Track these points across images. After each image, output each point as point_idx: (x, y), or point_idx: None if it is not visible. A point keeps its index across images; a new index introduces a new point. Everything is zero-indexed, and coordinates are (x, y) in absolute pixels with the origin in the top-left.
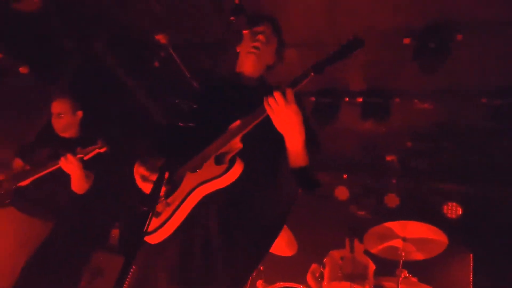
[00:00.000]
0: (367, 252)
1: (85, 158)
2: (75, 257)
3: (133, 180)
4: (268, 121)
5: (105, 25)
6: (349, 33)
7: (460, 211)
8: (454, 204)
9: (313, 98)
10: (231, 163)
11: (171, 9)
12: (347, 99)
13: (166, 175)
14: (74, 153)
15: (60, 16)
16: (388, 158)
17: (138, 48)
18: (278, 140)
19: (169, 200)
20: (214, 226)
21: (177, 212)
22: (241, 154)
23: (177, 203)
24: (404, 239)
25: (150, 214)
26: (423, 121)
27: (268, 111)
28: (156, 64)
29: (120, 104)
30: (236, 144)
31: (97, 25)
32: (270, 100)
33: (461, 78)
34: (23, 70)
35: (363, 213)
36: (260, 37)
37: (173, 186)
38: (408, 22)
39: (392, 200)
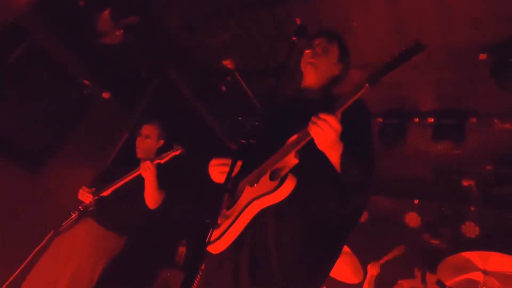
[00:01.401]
0: (441, 284)
1: (162, 162)
2: (144, 273)
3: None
4: None
5: (178, 54)
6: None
7: None
8: None
9: (380, 119)
10: (283, 179)
11: (238, 36)
12: (416, 119)
13: (229, 187)
14: (152, 160)
15: (139, 48)
16: (465, 183)
17: (208, 74)
18: None
19: (228, 212)
20: (269, 241)
21: (234, 225)
22: (296, 169)
23: (235, 215)
24: (485, 272)
25: (212, 224)
26: (505, 143)
27: (310, 132)
28: (223, 88)
29: (190, 127)
30: (291, 159)
31: (170, 54)
32: (312, 124)
33: None
34: (105, 95)
35: (437, 242)
36: (316, 49)
37: (234, 199)
38: (484, 37)
39: (470, 229)
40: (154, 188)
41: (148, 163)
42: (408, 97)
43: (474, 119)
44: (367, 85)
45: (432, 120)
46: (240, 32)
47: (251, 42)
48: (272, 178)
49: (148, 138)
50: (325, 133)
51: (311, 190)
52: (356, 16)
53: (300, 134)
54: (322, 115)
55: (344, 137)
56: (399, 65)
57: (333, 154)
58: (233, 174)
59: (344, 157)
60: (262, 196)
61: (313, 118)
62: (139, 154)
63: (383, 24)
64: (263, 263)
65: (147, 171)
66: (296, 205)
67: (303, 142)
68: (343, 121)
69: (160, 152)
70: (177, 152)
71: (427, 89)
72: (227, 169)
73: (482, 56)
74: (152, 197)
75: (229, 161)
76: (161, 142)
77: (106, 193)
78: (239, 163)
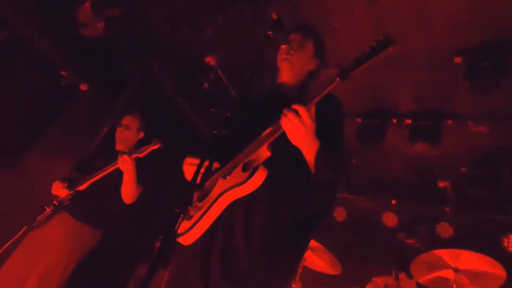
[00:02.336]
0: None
1: (141, 156)
2: (121, 267)
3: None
4: None
5: (160, 48)
6: (397, 53)
7: None
8: None
9: (359, 120)
10: (254, 171)
11: (220, 32)
12: (395, 120)
13: (199, 179)
14: (130, 153)
15: (121, 40)
16: (441, 184)
17: (191, 70)
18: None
19: (200, 204)
20: (238, 232)
21: (205, 216)
22: (268, 162)
23: (206, 207)
24: (456, 270)
25: (181, 214)
26: (479, 146)
27: (282, 126)
28: (206, 85)
29: (171, 121)
30: (264, 152)
31: (153, 48)
32: (283, 117)
33: None
34: (83, 87)
35: (412, 241)
36: (291, 44)
37: (206, 190)
38: (459, 41)
39: (445, 230)
40: (132, 182)
41: (126, 156)
42: (387, 98)
43: (449, 121)
44: (337, 79)
45: (409, 121)
46: (223, 28)
47: (235, 38)
48: (244, 169)
49: (128, 129)
50: (295, 125)
51: (281, 183)
52: (337, 17)
53: (273, 127)
54: (292, 107)
55: (317, 133)
56: (369, 59)
57: (307, 150)
58: (202, 170)
59: (318, 155)
60: (233, 188)
61: (284, 111)
62: (118, 145)
63: (364, 24)
64: (232, 253)
65: (125, 165)
66: (265, 196)
67: (276, 135)
68: (316, 117)
69: (139, 145)
70: (156, 147)
71: (405, 90)
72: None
73: (457, 60)
74: (129, 191)
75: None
76: (141, 134)
77: (82, 187)
78: (208, 161)
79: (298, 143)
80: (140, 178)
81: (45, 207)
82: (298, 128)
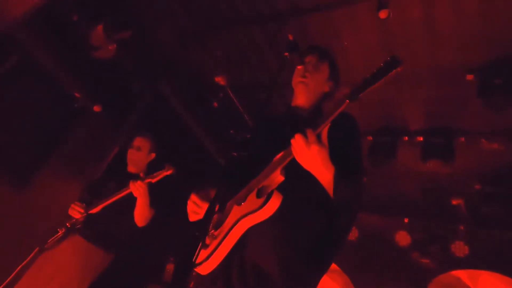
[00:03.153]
0: None
1: (153, 181)
2: None
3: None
4: None
5: (171, 69)
6: (409, 70)
7: None
8: None
9: (370, 138)
10: (268, 196)
11: (230, 53)
12: (406, 138)
13: (217, 207)
14: (143, 179)
15: (132, 62)
16: (455, 202)
17: (200, 90)
18: None
19: (216, 232)
20: (256, 260)
21: (222, 244)
22: (282, 186)
23: (222, 235)
24: None
25: (200, 243)
26: (493, 163)
27: (292, 151)
28: (215, 104)
29: (182, 142)
30: (277, 177)
31: (163, 69)
32: (292, 141)
33: None
34: (96, 108)
35: (427, 261)
36: (307, 66)
37: (222, 218)
38: (470, 58)
39: (460, 249)
40: (145, 206)
41: (139, 183)
42: (397, 115)
43: (462, 139)
44: (347, 101)
45: (421, 138)
46: (232, 48)
47: (243, 58)
48: (258, 195)
49: (139, 150)
50: (302, 149)
51: (297, 207)
52: (345, 34)
53: (285, 152)
54: (297, 136)
55: (333, 153)
56: (377, 81)
57: (321, 175)
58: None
59: (336, 180)
60: (249, 214)
61: (292, 139)
62: (130, 167)
63: (372, 42)
64: (253, 277)
65: (139, 190)
66: (282, 222)
67: (288, 159)
68: (332, 139)
69: (151, 166)
70: (168, 172)
71: (416, 107)
72: (197, 210)
73: (469, 77)
74: (142, 215)
75: (203, 204)
76: (153, 155)
77: (95, 210)
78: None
79: (308, 167)
80: (153, 202)
81: (57, 229)
82: (306, 152)
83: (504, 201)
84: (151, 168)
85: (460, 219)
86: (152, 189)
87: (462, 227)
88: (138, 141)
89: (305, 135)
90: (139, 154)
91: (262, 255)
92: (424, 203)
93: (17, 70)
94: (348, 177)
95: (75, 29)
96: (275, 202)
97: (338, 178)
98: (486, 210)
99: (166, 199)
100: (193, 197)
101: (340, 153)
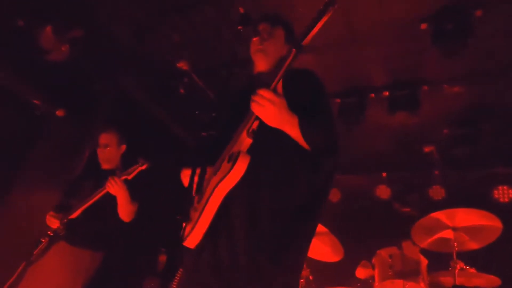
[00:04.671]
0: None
1: (129, 177)
2: (128, 285)
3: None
4: None
5: (130, 61)
6: (360, 29)
7: None
8: (505, 187)
9: (338, 100)
10: (235, 159)
11: (187, 36)
12: (372, 95)
13: (195, 181)
14: (119, 176)
15: (89, 60)
16: (427, 149)
17: (164, 78)
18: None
19: (198, 205)
20: (243, 222)
21: (202, 215)
22: (252, 148)
23: (201, 206)
24: (455, 229)
25: (184, 221)
26: (457, 106)
27: (253, 110)
28: (182, 91)
29: (152, 133)
30: (245, 140)
31: (123, 63)
32: (251, 102)
33: (488, 56)
34: (59, 113)
35: (408, 209)
36: (262, 35)
37: (203, 191)
38: (421, 8)
39: (437, 192)
40: (126, 202)
41: (116, 179)
42: (361, 75)
43: (425, 87)
44: (293, 50)
45: (387, 93)
46: (188, 31)
47: (201, 39)
48: (229, 160)
49: (108, 147)
50: (264, 108)
51: (270, 165)
52: (300, 3)
53: (248, 115)
54: (258, 91)
55: (296, 105)
56: (316, 23)
57: (288, 128)
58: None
59: (301, 127)
60: (221, 180)
61: (252, 97)
62: (104, 165)
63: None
64: (240, 244)
65: (115, 188)
66: (260, 182)
67: (251, 120)
68: (288, 92)
69: (124, 158)
70: (143, 167)
71: (378, 64)
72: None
73: (423, 26)
74: (125, 210)
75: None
76: (123, 147)
77: (74, 215)
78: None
79: (275, 124)
80: (134, 196)
81: (41, 239)
82: (268, 109)
83: (472, 140)
84: (125, 160)
85: (434, 164)
86: (130, 185)
87: (437, 172)
88: (103, 139)
89: (262, 94)
90: (109, 151)
91: (247, 219)
92: (399, 155)
93: None
94: (313, 121)
95: (23, 35)
96: (242, 163)
97: (303, 123)
98: (457, 151)
99: (147, 191)
100: (186, 171)
101: (300, 103)
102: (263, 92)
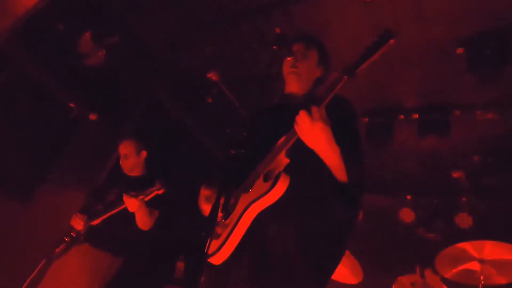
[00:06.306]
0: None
1: (146, 199)
2: None
3: (196, 213)
4: None
5: (163, 71)
6: (396, 49)
7: None
8: None
9: (366, 119)
10: (276, 178)
11: (220, 48)
12: (402, 116)
13: (222, 199)
14: (136, 195)
15: (124, 67)
16: (455, 175)
17: (193, 88)
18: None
19: (227, 221)
20: (269, 246)
21: (233, 232)
22: (288, 168)
23: (233, 223)
24: (482, 261)
25: (209, 237)
26: (489, 134)
27: (296, 130)
28: (210, 100)
29: (180, 142)
30: (282, 159)
31: (155, 72)
32: (297, 118)
33: None
34: (92, 117)
35: (432, 235)
36: (296, 56)
37: (231, 208)
38: (458, 32)
39: (464, 220)
40: (144, 217)
41: (133, 200)
42: (391, 95)
43: (457, 112)
44: (345, 77)
45: (416, 115)
46: (221, 44)
47: (233, 53)
48: (265, 179)
49: (128, 157)
50: (307, 126)
51: (306, 189)
52: (333, 20)
53: (288, 134)
54: (301, 113)
55: (334, 133)
56: (373, 54)
57: (330, 155)
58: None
59: (345, 158)
60: (257, 199)
61: (297, 117)
62: (129, 173)
63: (360, 25)
64: (266, 262)
65: (133, 208)
66: (293, 205)
67: (292, 140)
68: (330, 118)
69: (148, 162)
70: (160, 192)
71: (409, 86)
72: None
73: (459, 51)
74: (143, 222)
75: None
76: (143, 153)
77: (96, 222)
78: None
79: (313, 146)
80: (153, 207)
81: (64, 238)
82: (311, 129)
83: (502, 170)
84: (151, 165)
85: (462, 191)
86: (148, 202)
87: (464, 199)
88: (122, 149)
89: (309, 112)
90: (130, 161)
91: (275, 241)
92: (425, 178)
93: (8, 86)
94: (354, 156)
95: (63, 39)
96: (283, 184)
97: (346, 157)
98: (486, 180)
99: (166, 205)
100: (204, 192)
101: (340, 133)
102: (312, 109)
